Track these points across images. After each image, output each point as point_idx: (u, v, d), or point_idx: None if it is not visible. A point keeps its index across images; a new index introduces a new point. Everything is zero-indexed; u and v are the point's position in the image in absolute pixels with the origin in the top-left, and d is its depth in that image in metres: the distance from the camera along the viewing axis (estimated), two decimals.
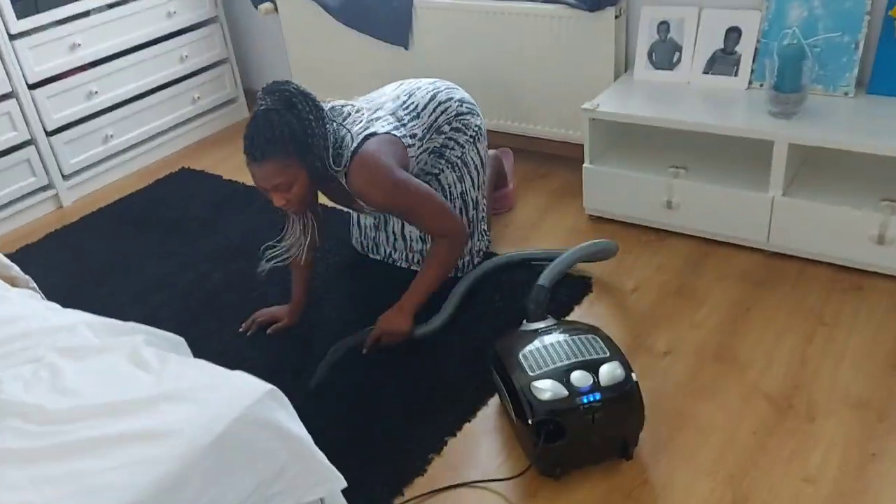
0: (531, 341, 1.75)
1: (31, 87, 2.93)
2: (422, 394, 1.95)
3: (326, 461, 1.39)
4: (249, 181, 3.09)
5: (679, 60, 2.52)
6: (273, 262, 2.12)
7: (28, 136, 2.96)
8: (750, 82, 2.41)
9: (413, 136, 2.13)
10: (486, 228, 2.44)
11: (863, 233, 2.11)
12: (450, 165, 2.27)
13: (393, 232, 2.40)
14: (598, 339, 1.73)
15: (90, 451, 1.20)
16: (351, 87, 3.34)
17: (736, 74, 2.42)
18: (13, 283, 1.98)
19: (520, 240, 2.54)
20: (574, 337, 1.74)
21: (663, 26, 2.52)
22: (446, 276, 2.13)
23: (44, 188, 3.08)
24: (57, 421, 1.26)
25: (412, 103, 2.18)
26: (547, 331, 1.80)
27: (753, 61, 2.39)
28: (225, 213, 2.91)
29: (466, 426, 1.85)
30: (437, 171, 2.27)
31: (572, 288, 2.27)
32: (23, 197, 3.03)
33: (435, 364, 2.04)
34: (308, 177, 1.87)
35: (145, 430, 1.23)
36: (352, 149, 1.96)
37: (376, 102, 2.18)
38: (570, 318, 2.17)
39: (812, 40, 2.25)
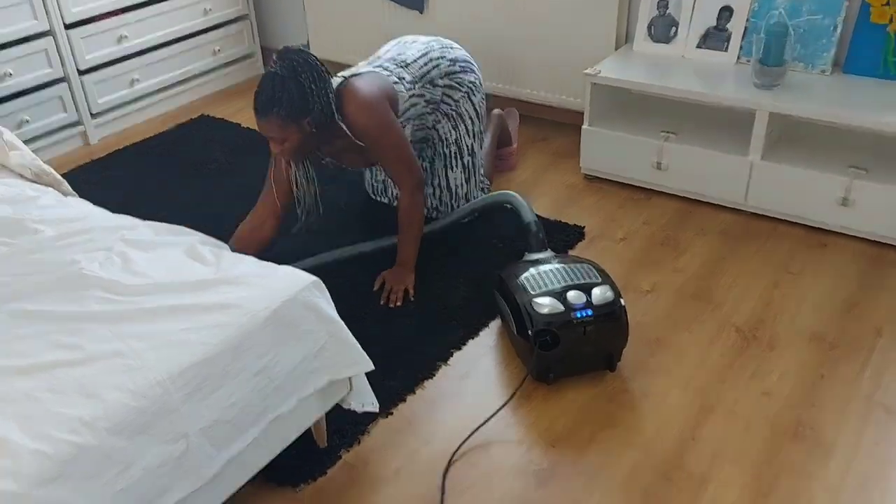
0: (533, 267, 1.99)
1: (68, 27, 3.11)
2: (431, 315, 2.18)
3: (358, 346, 1.62)
4: None
5: (675, 35, 2.75)
6: (301, 222, 2.31)
7: (62, 74, 3.14)
8: (738, 57, 2.64)
9: (401, 78, 2.29)
10: (483, 174, 2.65)
11: (830, 195, 2.36)
12: (445, 116, 2.45)
13: None
14: (591, 267, 1.97)
15: (165, 315, 1.42)
16: (366, 47, 3.55)
17: (726, 50, 2.66)
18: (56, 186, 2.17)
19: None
20: (571, 265, 1.97)
21: (663, 2, 2.75)
22: (422, 221, 2.31)
23: (73, 124, 3.26)
24: (133, 293, 1.48)
25: (402, 58, 2.36)
26: (547, 260, 2.04)
27: (743, 38, 2.62)
28: (243, 157, 3.11)
29: (470, 342, 2.09)
30: (432, 122, 2.44)
31: (568, 234, 2.50)
32: (53, 132, 3.21)
33: (443, 291, 2.27)
34: (300, 136, 2.07)
35: (212, 303, 1.45)
36: (336, 86, 2.13)
37: (373, 59, 2.38)
38: None
39: (796, 21, 2.49)
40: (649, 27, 2.79)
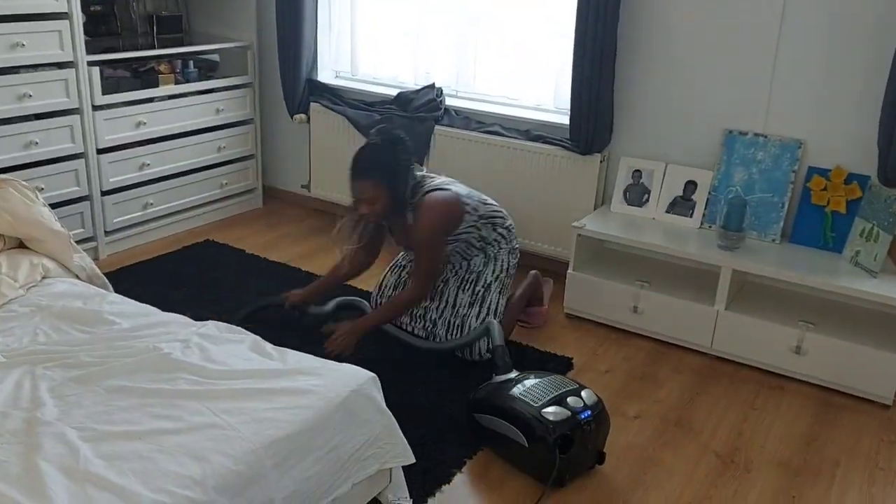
0: (515, 385, 2.22)
1: (99, 151, 3.38)
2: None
3: (405, 440, 1.81)
4: (272, 257, 3.55)
5: (647, 200, 3.20)
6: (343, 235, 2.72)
7: (87, 193, 3.37)
8: (702, 223, 3.10)
9: (475, 209, 2.70)
10: (500, 319, 2.76)
11: (785, 344, 2.73)
12: (484, 253, 2.78)
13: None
14: (561, 377, 2.28)
15: (252, 396, 1.60)
16: None
17: (691, 216, 3.11)
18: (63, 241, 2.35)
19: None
20: (545, 378, 2.25)
21: (637, 173, 3.22)
22: (398, 314, 2.73)
23: (87, 239, 3.45)
24: (217, 377, 1.67)
25: (484, 197, 2.79)
26: (522, 378, 2.28)
27: (705, 207, 3.09)
28: (251, 279, 3.33)
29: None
30: (470, 254, 2.78)
31: (558, 363, 2.78)
32: None
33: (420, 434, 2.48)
34: (389, 199, 2.52)
35: (291, 388, 1.64)
36: (427, 189, 2.61)
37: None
38: None
39: (749, 197, 2.98)
40: (625, 193, 3.25)
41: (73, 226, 3.35)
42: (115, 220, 3.53)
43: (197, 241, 3.73)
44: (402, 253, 2.94)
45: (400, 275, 2.92)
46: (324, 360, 1.83)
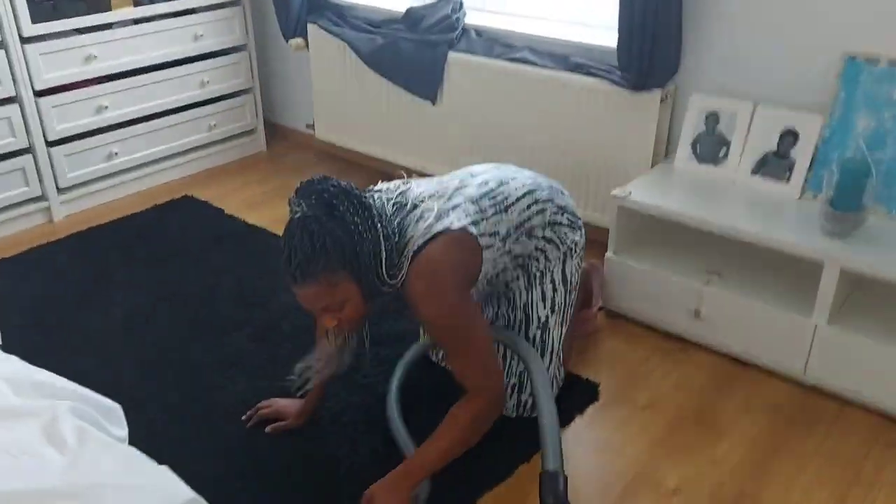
0: None
1: (38, 94, 2.78)
2: None
3: None
4: (252, 219, 2.91)
5: (726, 156, 2.30)
6: (304, 386, 1.79)
7: (26, 144, 2.80)
8: (803, 191, 2.17)
9: (494, 234, 1.74)
10: (560, 362, 1.96)
11: None
12: (524, 273, 1.89)
13: None
14: None
15: None
16: (373, 134, 3.18)
17: (788, 181, 2.19)
18: None
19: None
20: None
21: (712, 118, 2.31)
22: (463, 449, 1.64)
23: (35, 199, 2.91)
24: None
25: (501, 194, 1.79)
26: None
27: (809, 169, 2.16)
28: (218, 251, 2.71)
29: None
30: (507, 279, 1.88)
31: (577, 393, 2.02)
32: (11, 206, 2.85)
33: None
34: (361, 293, 1.55)
35: None
36: (417, 243, 1.60)
37: (455, 184, 1.78)
38: (570, 428, 1.91)
39: (878, 154, 2.02)
40: (694, 145, 2.34)
41: (15, 185, 2.82)
42: (70, 175, 2.96)
43: (174, 196, 3.13)
44: None
45: None
46: (133, 459, 1.17)
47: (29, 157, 2.83)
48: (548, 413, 1.63)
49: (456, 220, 1.66)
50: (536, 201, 1.84)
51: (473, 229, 1.69)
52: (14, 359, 1.51)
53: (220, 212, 3.01)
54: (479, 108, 2.76)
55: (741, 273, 2.18)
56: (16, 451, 1.18)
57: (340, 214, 1.50)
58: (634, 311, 2.30)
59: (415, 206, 1.67)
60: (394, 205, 1.67)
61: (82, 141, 2.96)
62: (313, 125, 3.46)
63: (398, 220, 1.64)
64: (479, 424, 1.65)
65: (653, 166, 2.43)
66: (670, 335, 2.24)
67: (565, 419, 1.93)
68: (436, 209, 1.66)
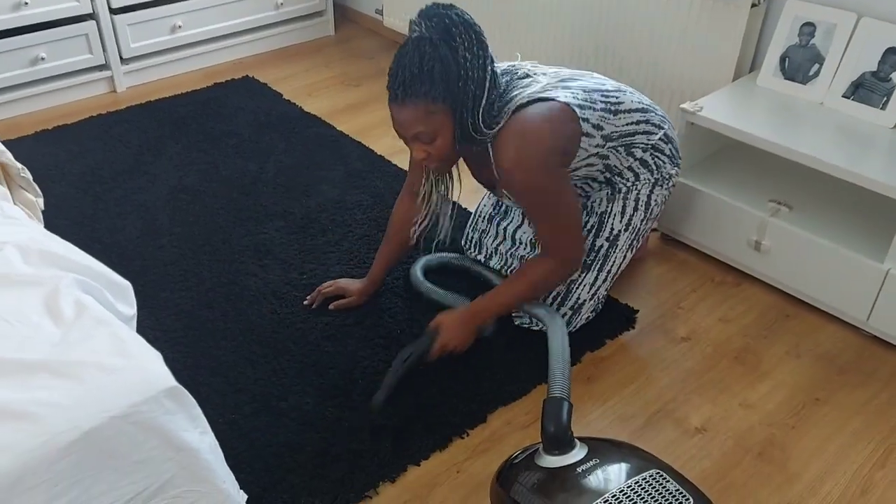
0: (583, 493, 1.27)
1: None
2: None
3: (226, 482, 1.14)
4: (308, 107, 2.83)
5: (817, 74, 2.04)
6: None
7: (90, 10, 2.78)
8: None
9: (598, 126, 1.66)
10: (608, 287, 1.86)
11: None
12: (610, 187, 1.82)
13: (504, 229, 2.00)
14: (666, 477, 1.28)
15: None
16: None
17: (884, 107, 1.94)
18: (4, 170, 1.79)
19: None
20: (639, 482, 1.26)
21: (807, 28, 2.04)
22: (532, 298, 1.72)
23: (99, 68, 2.91)
24: None
25: (616, 98, 1.72)
26: (590, 469, 1.31)
27: None
28: (269, 136, 2.66)
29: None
30: (588, 193, 1.83)
31: (611, 319, 1.91)
32: (75, 73, 2.87)
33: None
34: (454, 130, 1.52)
35: (8, 405, 1.00)
36: (519, 101, 1.57)
37: (569, 73, 1.74)
38: (599, 353, 1.82)
39: None
40: (783, 59, 2.09)
41: (79, 51, 2.82)
42: (133, 46, 2.94)
43: (234, 76, 3.08)
44: None
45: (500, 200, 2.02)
46: (125, 339, 1.15)
47: (92, 23, 2.81)
48: (558, 339, 1.55)
49: (563, 96, 1.62)
50: (648, 121, 1.77)
51: (579, 111, 1.63)
52: (36, 225, 1.52)
53: (279, 96, 2.94)
54: (525, 18, 2.55)
55: (813, 207, 1.98)
56: (13, 319, 1.18)
57: (456, 45, 1.48)
58: (691, 237, 2.14)
59: (526, 76, 1.66)
60: (504, 72, 1.65)
61: (146, 11, 2.91)
62: (381, 10, 3.30)
63: (507, 79, 1.63)
64: (547, 283, 1.73)
65: (733, 81, 2.20)
66: (725, 266, 2.08)
67: (594, 343, 1.84)
68: (545, 82, 1.64)
